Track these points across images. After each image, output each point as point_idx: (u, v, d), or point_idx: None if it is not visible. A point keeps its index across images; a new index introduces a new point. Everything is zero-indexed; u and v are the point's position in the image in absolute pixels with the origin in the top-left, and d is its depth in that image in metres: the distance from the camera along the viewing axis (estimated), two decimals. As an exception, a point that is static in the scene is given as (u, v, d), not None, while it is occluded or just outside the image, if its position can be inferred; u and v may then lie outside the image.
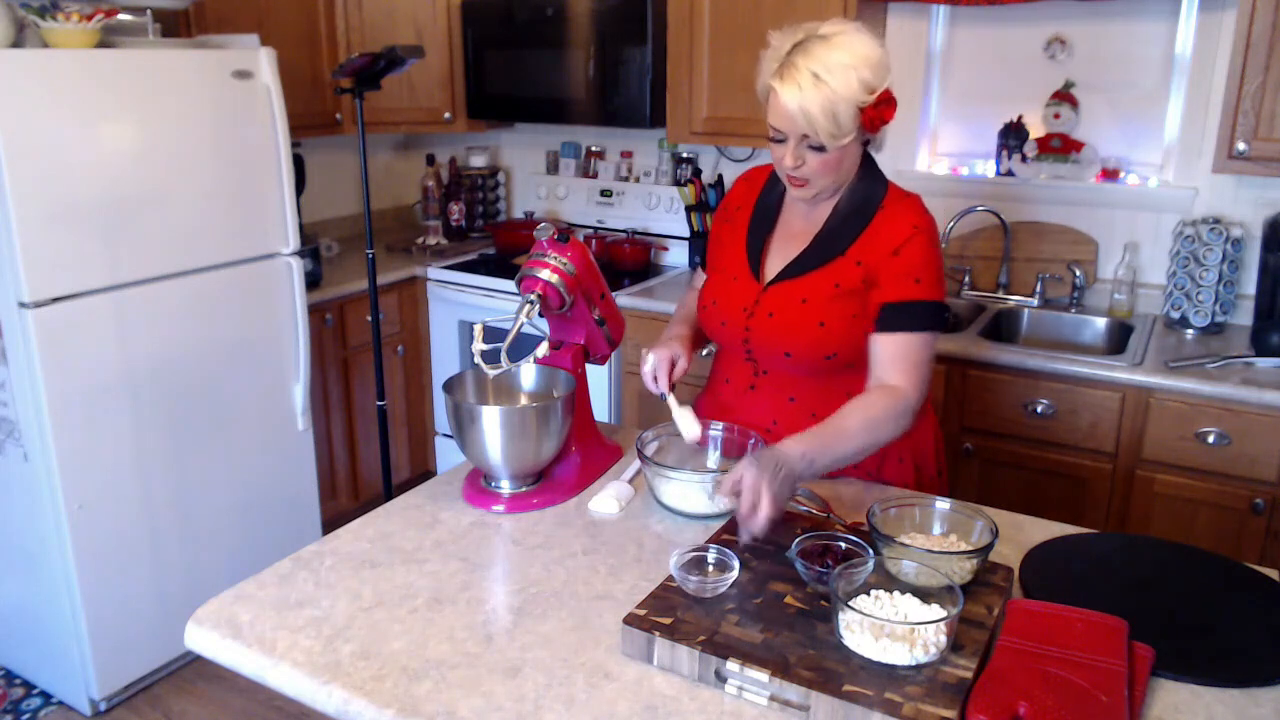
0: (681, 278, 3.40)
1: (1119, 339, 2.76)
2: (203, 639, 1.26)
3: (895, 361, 1.59)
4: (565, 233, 1.63)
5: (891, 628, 1.11)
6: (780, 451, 1.43)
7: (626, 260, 3.42)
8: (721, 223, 1.82)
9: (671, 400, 1.68)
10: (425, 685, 1.14)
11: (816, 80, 1.47)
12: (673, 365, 1.72)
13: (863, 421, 1.54)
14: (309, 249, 3.07)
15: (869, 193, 1.63)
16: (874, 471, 1.75)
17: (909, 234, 1.58)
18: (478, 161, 3.94)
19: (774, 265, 1.70)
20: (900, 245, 1.58)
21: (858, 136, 1.54)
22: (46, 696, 2.64)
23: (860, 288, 1.61)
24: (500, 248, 3.66)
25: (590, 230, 3.73)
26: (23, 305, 2.22)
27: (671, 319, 1.90)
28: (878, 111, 1.51)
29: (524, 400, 1.72)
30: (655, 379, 1.69)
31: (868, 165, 1.65)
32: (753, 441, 1.62)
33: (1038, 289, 2.96)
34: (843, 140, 1.52)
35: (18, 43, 2.23)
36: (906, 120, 3.11)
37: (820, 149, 1.53)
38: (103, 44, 2.36)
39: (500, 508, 1.58)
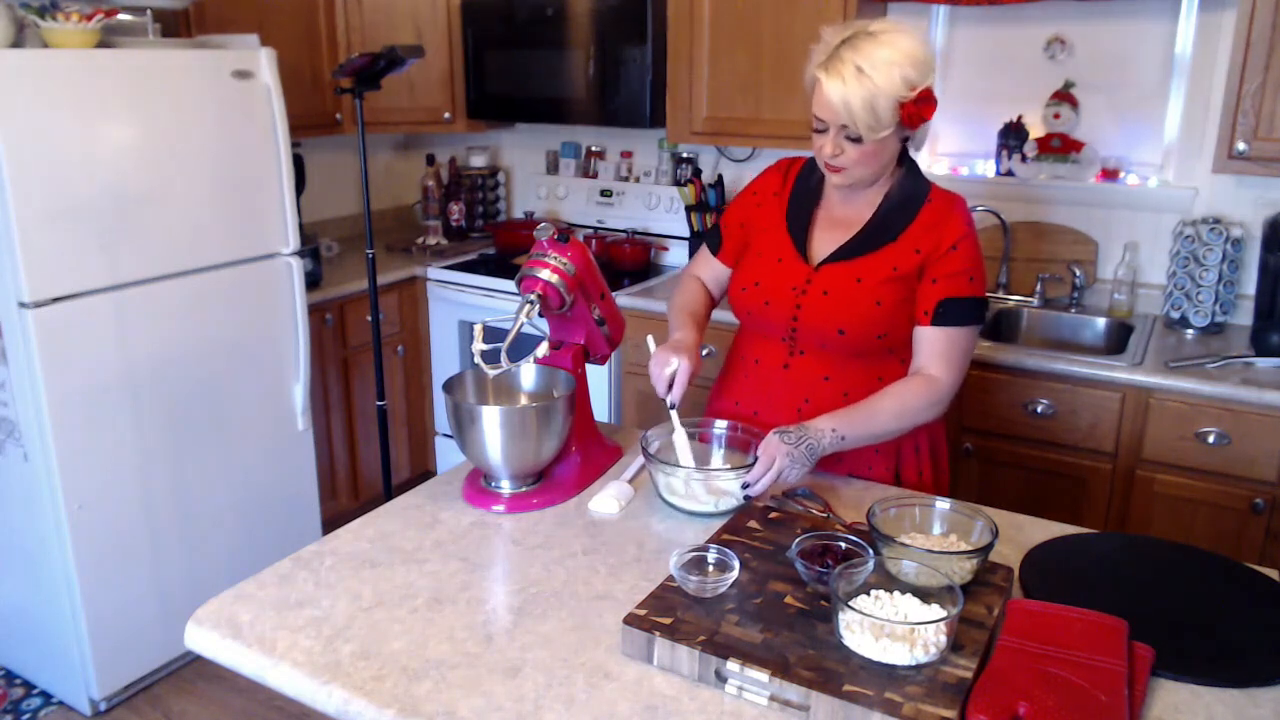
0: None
1: (1119, 339, 2.76)
2: (203, 639, 1.26)
3: (943, 353, 1.67)
4: (565, 233, 1.63)
5: (891, 628, 1.11)
6: (809, 425, 1.57)
7: (626, 260, 3.42)
8: (751, 207, 1.86)
9: (675, 419, 1.66)
10: (425, 685, 1.14)
11: (860, 74, 1.54)
12: (682, 374, 1.68)
13: (897, 406, 1.64)
14: (309, 249, 3.07)
15: (915, 186, 1.71)
16: (893, 465, 1.79)
17: (965, 231, 1.67)
18: (478, 161, 3.94)
19: (822, 248, 1.75)
20: (957, 241, 1.66)
21: (896, 131, 1.60)
22: (46, 696, 2.64)
23: (913, 274, 1.68)
24: (500, 248, 3.66)
25: (590, 230, 3.73)
26: (23, 305, 2.22)
27: (672, 313, 1.88)
28: (917, 108, 1.57)
29: (524, 400, 1.72)
30: (669, 387, 1.67)
31: (910, 162, 1.73)
32: (754, 440, 1.62)
33: (1038, 289, 2.96)
34: (880, 133, 1.58)
35: (18, 43, 2.23)
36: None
37: (858, 140, 1.60)
38: (103, 44, 2.36)
39: (500, 508, 1.58)
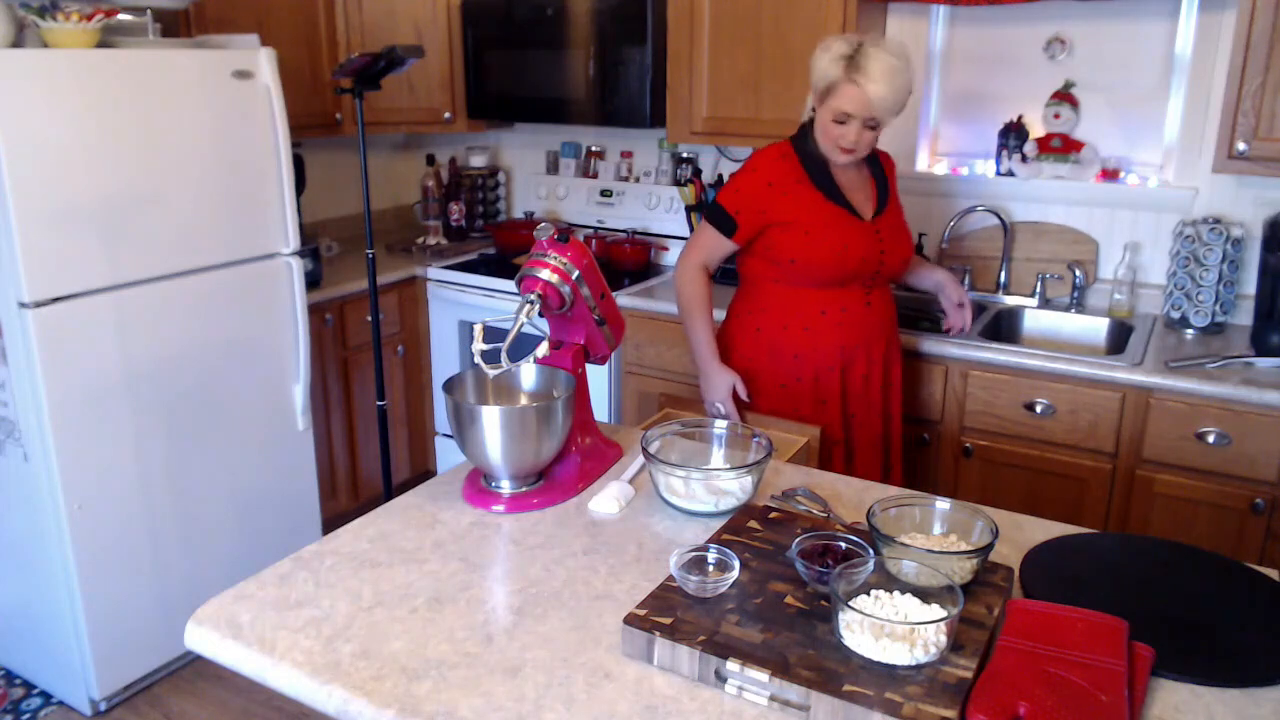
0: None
1: (1119, 339, 2.76)
2: (203, 639, 1.26)
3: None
4: (565, 233, 1.63)
5: (891, 628, 1.11)
6: (943, 283, 2.52)
7: (626, 260, 3.42)
8: (775, 196, 2.17)
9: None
10: (425, 685, 1.14)
11: (889, 75, 2.00)
12: (740, 390, 2.21)
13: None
14: (309, 249, 3.07)
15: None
16: (884, 369, 2.34)
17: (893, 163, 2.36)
18: (478, 161, 3.94)
19: (865, 207, 2.22)
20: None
21: None
22: (46, 696, 2.64)
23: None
24: (500, 248, 3.66)
25: (590, 230, 3.73)
26: (23, 305, 2.22)
27: (694, 317, 2.26)
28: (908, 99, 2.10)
29: (524, 400, 1.72)
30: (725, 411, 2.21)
31: None
32: (756, 439, 1.63)
33: (1038, 289, 2.96)
34: (892, 120, 2.09)
35: (18, 43, 2.23)
36: (907, 120, 3.11)
37: (874, 128, 2.09)
38: (103, 44, 2.36)
39: (500, 508, 1.58)
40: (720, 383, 2.21)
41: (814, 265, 2.18)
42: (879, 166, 2.28)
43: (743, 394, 2.20)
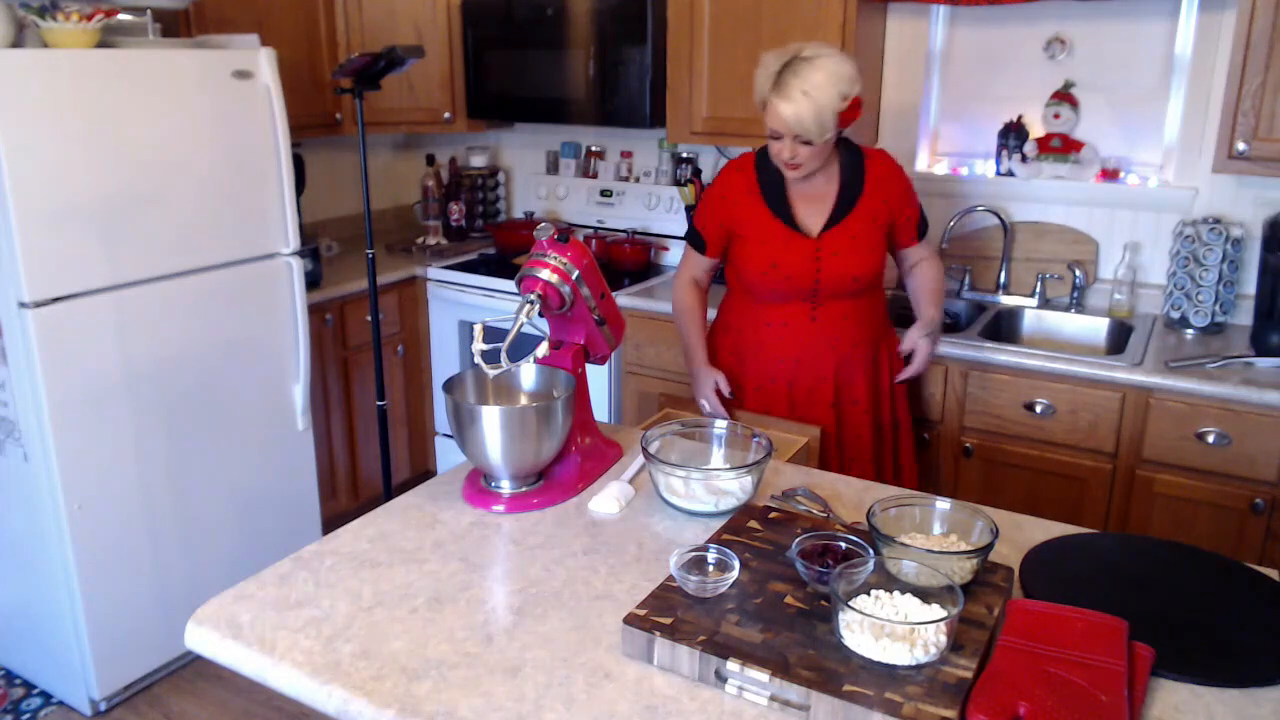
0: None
1: (1119, 339, 2.76)
2: (203, 639, 1.26)
3: (928, 248, 2.37)
4: (565, 233, 1.63)
5: (891, 628, 1.11)
6: (925, 320, 2.27)
7: (626, 260, 3.42)
8: (728, 208, 2.22)
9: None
10: (425, 685, 1.14)
11: (806, 95, 1.96)
12: (723, 387, 2.23)
13: (938, 278, 2.35)
14: (309, 249, 3.07)
15: (852, 153, 2.20)
16: (872, 376, 2.29)
17: (903, 175, 2.26)
18: (478, 161, 3.94)
19: (812, 221, 2.18)
20: (904, 186, 2.25)
21: (836, 131, 2.05)
22: (46, 696, 2.64)
23: (888, 219, 2.23)
24: (500, 248, 3.66)
25: (590, 230, 3.73)
26: (23, 305, 2.22)
27: (684, 323, 2.33)
28: (850, 113, 2.04)
29: (524, 400, 1.72)
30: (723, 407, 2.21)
31: (841, 137, 2.16)
32: (756, 439, 1.63)
33: (1038, 289, 2.96)
34: (826, 135, 2.03)
35: (18, 43, 2.23)
36: (906, 120, 3.12)
37: (808, 143, 2.03)
38: (103, 44, 2.36)
39: (500, 508, 1.58)
40: (704, 381, 2.26)
41: (743, 279, 2.24)
42: (857, 176, 2.19)
43: (725, 390, 2.24)
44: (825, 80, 1.96)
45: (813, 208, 2.18)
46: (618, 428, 1.98)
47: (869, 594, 1.21)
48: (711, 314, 2.42)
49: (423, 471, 3.72)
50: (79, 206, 2.27)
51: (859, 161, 2.19)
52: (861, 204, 2.18)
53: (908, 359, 2.29)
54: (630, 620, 1.19)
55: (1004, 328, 2.92)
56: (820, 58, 1.99)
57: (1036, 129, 2.93)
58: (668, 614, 1.21)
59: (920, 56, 3.07)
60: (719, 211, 2.24)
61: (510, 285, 3.13)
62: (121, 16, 2.55)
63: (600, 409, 3.14)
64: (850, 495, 1.64)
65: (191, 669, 2.74)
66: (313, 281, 3.11)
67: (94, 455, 2.39)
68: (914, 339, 2.24)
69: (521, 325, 1.58)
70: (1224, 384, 2.28)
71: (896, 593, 1.21)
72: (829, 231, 2.16)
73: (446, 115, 3.58)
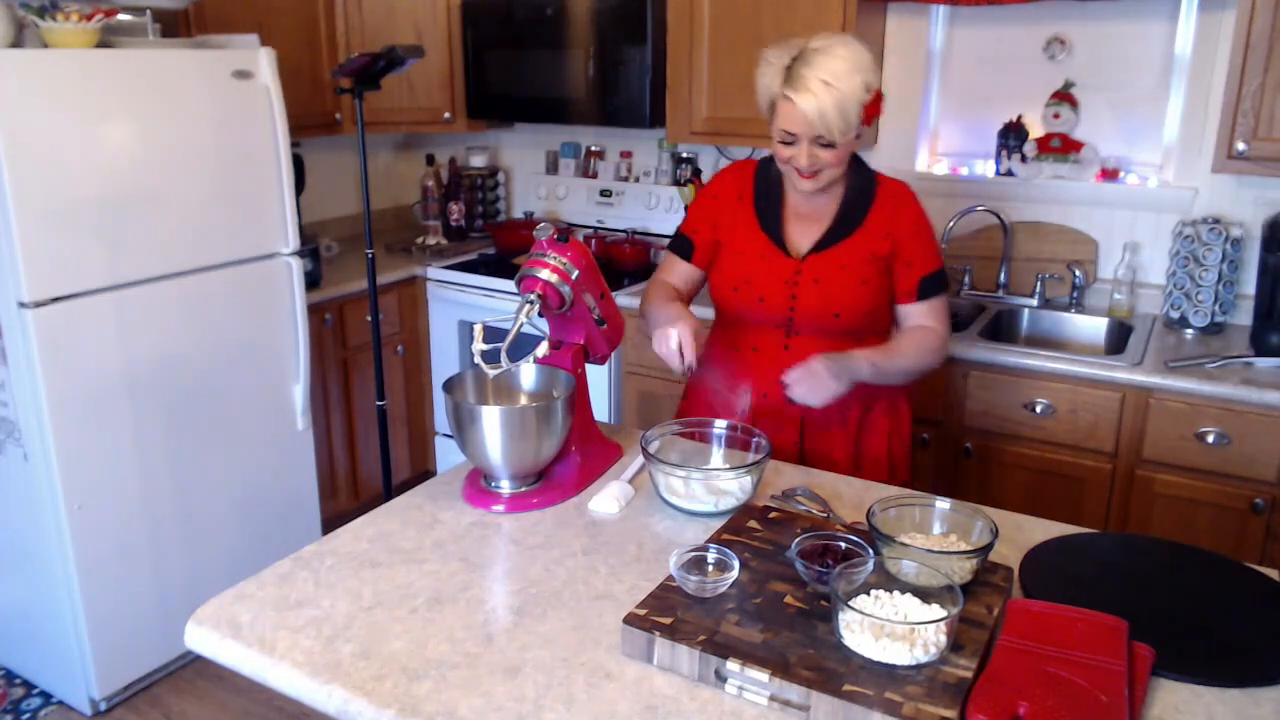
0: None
1: (1119, 339, 2.76)
2: (203, 639, 1.26)
3: (931, 317, 1.91)
4: (565, 233, 1.63)
5: (891, 628, 1.11)
6: (849, 355, 1.78)
7: (626, 260, 3.42)
8: (717, 211, 1.97)
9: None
10: (425, 685, 1.14)
11: (827, 86, 1.68)
12: (686, 337, 1.77)
13: (916, 348, 1.88)
14: (309, 249, 3.07)
15: (863, 175, 1.90)
16: (855, 439, 1.95)
17: (922, 214, 1.90)
18: (478, 161, 3.94)
19: (801, 241, 1.90)
20: (918, 224, 1.89)
21: (859, 130, 1.76)
22: (46, 696, 2.64)
23: (890, 255, 1.88)
24: (500, 248, 3.66)
25: (590, 230, 3.73)
26: (23, 305, 2.22)
27: (650, 308, 1.90)
28: (874, 107, 1.76)
29: (524, 400, 1.72)
30: (680, 354, 1.74)
31: (852, 155, 1.88)
32: (756, 439, 1.63)
33: (1038, 289, 2.96)
34: (850, 135, 1.75)
35: (18, 43, 2.22)
36: (906, 120, 3.11)
37: (830, 146, 1.75)
38: (103, 44, 2.36)
39: (500, 508, 1.58)
40: (659, 337, 1.79)
41: (714, 295, 1.97)
42: (863, 200, 1.88)
43: (689, 350, 1.74)
44: (846, 68, 1.69)
45: (805, 226, 1.90)
46: (618, 428, 1.98)
47: (869, 594, 1.21)
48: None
49: (423, 471, 3.72)
50: (79, 206, 2.27)
51: (870, 186, 1.89)
52: (861, 232, 1.86)
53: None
54: (630, 620, 1.19)
55: (1004, 328, 2.92)
56: (835, 45, 1.72)
57: (1036, 129, 2.93)
58: (668, 614, 1.21)
59: (920, 56, 3.07)
60: (710, 214, 1.98)
61: (510, 285, 3.13)
62: (121, 16, 2.55)
63: (600, 409, 3.14)
64: (850, 495, 1.64)
65: (191, 669, 2.74)
66: (312, 281, 3.11)
67: (94, 455, 2.39)
68: (813, 360, 1.76)
69: (521, 325, 1.58)
70: (1224, 384, 2.28)
71: (896, 593, 1.21)
72: (815, 255, 1.87)
73: (446, 115, 3.58)
